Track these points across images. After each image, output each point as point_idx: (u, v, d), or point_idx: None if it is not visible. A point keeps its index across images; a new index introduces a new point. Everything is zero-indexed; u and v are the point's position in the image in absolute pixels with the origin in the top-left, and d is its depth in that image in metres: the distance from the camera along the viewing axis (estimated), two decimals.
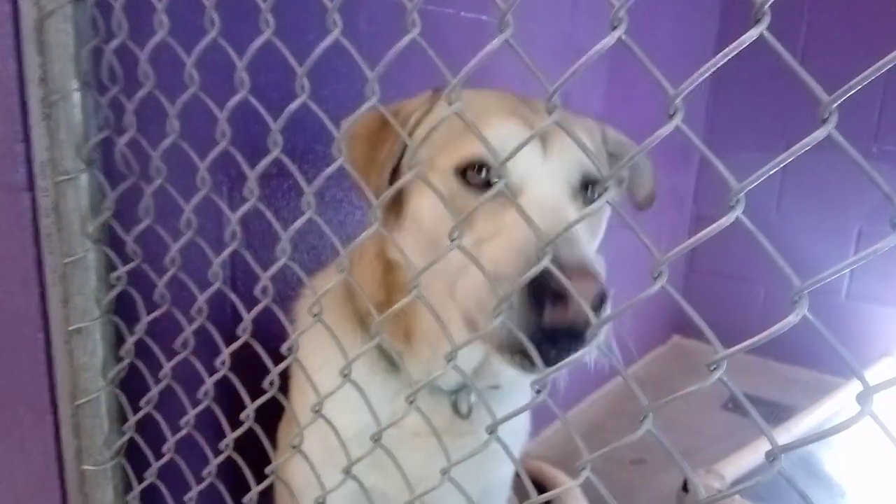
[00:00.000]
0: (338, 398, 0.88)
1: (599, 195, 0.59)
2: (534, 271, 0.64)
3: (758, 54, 0.52)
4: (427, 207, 0.90)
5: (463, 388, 1.04)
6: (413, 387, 0.80)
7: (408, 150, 0.92)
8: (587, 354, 0.72)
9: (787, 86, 2.94)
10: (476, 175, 0.87)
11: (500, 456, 0.75)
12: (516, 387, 1.06)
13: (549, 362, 0.69)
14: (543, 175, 0.85)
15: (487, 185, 0.86)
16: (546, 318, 0.70)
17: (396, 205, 0.94)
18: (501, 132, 0.84)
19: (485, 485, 1.14)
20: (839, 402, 2.59)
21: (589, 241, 0.89)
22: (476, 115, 0.83)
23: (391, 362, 1.02)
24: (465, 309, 0.83)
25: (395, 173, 0.94)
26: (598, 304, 0.71)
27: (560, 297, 0.69)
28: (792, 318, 0.52)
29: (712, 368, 0.56)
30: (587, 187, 0.92)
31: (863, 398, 0.50)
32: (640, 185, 1.06)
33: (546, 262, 0.64)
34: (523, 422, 1.21)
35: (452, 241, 0.70)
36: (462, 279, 0.83)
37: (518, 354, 0.75)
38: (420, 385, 0.78)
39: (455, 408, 1.04)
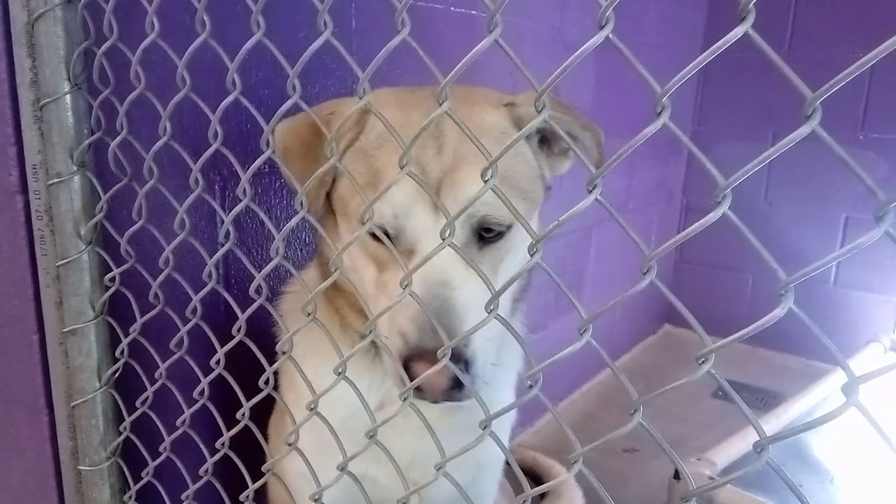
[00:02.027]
0: (326, 386, 0.90)
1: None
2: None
3: (746, 46, 0.53)
4: (349, 234, 0.96)
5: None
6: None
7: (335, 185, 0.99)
8: (465, 397, 0.84)
9: (774, 77, 2.95)
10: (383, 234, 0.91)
11: (488, 438, 0.76)
12: (498, 353, 1.10)
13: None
14: (434, 234, 0.86)
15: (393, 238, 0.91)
16: (407, 382, 0.82)
17: (340, 210, 1.01)
18: (395, 197, 0.88)
19: (475, 466, 1.16)
20: (827, 389, 2.63)
21: (480, 292, 0.85)
22: (383, 163, 0.92)
23: (372, 345, 1.04)
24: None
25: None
26: (455, 382, 0.81)
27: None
28: (778, 312, 0.53)
29: (700, 362, 0.58)
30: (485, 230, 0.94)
31: (848, 389, 0.51)
32: (589, 151, 1.07)
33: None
34: (510, 400, 1.22)
35: (404, 288, 0.76)
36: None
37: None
38: (413, 384, 0.79)
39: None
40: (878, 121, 2.96)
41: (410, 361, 0.83)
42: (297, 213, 0.84)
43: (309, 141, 0.94)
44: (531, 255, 0.66)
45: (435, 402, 0.85)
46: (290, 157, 0.96)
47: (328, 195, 1.00)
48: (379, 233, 0.88)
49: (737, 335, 0.56)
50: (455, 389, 0.83)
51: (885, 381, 0.54)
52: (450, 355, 0.74)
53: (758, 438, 0.56)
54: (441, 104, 0.67)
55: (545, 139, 1.06)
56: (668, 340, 3.59)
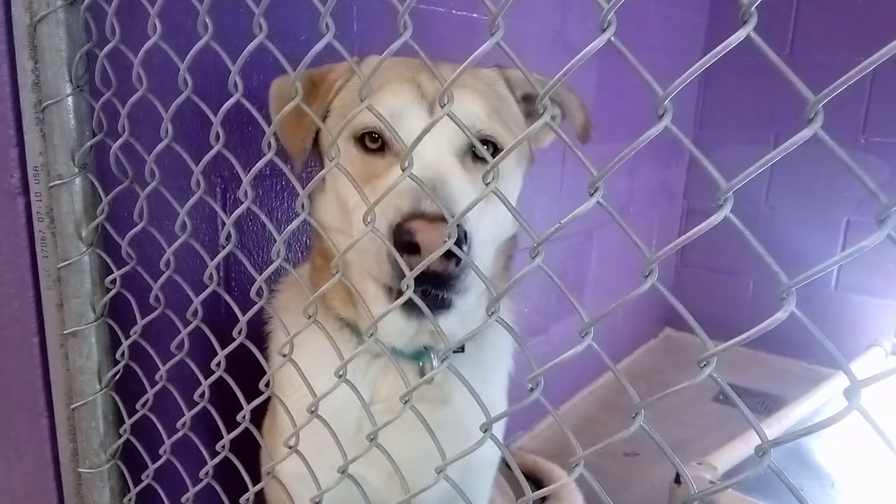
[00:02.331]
0: (315, 384, 0.91)
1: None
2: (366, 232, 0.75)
3: (747, 49, 0.53)
4: (340, 175, 1.00)
5: (424, 352, 1.07)
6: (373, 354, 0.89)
7: (330, 114, 1.05)
8: (456, 296, 0.85)
9: (776, 80, 2.95)
10: (372, 141, 0.98)
11: (478, 436, 0.76)
12: (479, 355, 1.11)
13: (430, 306, 0.79)
14: (429, 139, 0.85)
15: (382, 149, 0.98)
16: (406, 264, 0.76)
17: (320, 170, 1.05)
18: (390, 100, 0.94)
19: (465, 466, 1.16)
20: (829, 393, 2.62)
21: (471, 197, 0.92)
22: (378, 84, 0.98)
23: (354, 331, 1.08)
24: (368, 268, 0.92)
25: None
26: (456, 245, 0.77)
27: (415, 246, 0.80)
28: (780, 315, 0.53)
29: (702, 365, 0.57)
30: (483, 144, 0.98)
31: (850, 393, 0.51)
32: (574, 118, 1.13)
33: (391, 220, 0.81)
34: (501, 401, 1.22)
35: (367, 224, 0.75)
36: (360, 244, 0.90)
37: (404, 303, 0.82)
38: (414, 387, 0.79)
39: (423, 373, 1.07)
40: (879, 124, 2.96)
41: (406, 223, 0.80)
42: (298, 215, 0.84)
43: (305, 89, 0.99)
44: (532, 258, 0.65)
45: (430, 289, 0.84)
46: (282, 105, 0.97)
47: (315, 146, 1.05)
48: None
49: (738, 339, 0.56)
50: (451, 265, 0.82)
51: (886, 385, 0.54)
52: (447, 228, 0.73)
53: (759, 442, 0.56)
54: (442, 107, 0.68)
55: (531, 113, 1.13)
56: (669, 344, 3.58)
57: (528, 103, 1.12)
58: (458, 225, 0.73)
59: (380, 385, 1.08)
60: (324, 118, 1.05)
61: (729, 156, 3.16)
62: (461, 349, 1.08)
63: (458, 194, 0.88)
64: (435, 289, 0.85)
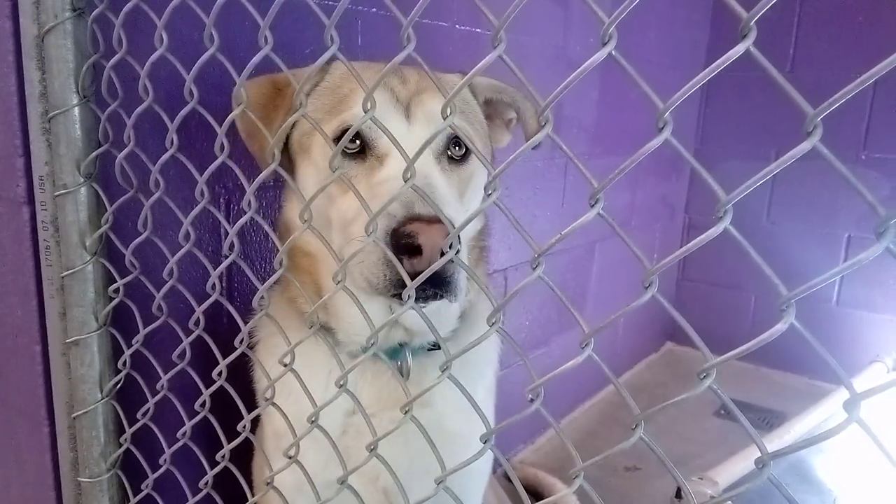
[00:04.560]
0: (298, 392, 0.92)
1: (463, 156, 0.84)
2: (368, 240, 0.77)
3: (748, 64, 0.53)
4: (311, 177, 1.04)
5: (400, 350, 1.07)
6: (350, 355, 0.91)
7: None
8: (451, 295, 0.87)
9: (777, 95, 2.96)
10: (352, 144, 0.99)
11: (465, 442, 0.76)
12: (470, 355, 1.10)
13: (419, 300, 0.82)
14: (408, 141, 0.89)
15: (362, 151, 0.99)
16: (407, 268, 0.80)
17: (291, 171, 1.07)
18: (369, 104, 0.92)
19: (454, 476, 1.15)
20: (830, 409, 2.61)
21: (454, 200, 0.98)
22: (351, 88, 1.01)
23: (326, 330, 1.08)
24: (361, 275, 0.92)
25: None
26: (449, 248, 0.78)
27: (416, 248, 0.81)
28: (780, 327, 0.53)
29: (702, 377, 0.58)
30: (452, 146, 1.03)
31: (850, 405, 0.51)
32: (527, 125, 1.19)
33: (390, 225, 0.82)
34: (487, 407, 1.22)
35: (369, 234, 0.77)
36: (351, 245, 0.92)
37: (395, 297, 0.85)
38: (414, 396, 0.79)
39: (401, 372, 1.07)
40: (880, 140, 2.97)
41: (404, 226, 0.82)
42: (249, 212, 0.85)
43: (269, 95, 1.03)
44: (533, 270, 0.66)
45: (430, 290, 0.85)
46: (252, 109, 1.00)
47: (286, 148, 1.07)
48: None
49: (739, 350, 0.56)
50: (451, 266, 0.83)
51: (887, 401, 0.54)
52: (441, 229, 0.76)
53: (758, 456, 0.56)
54: (445, 119, 0.68)
55: (490, 115, 1.19)
56: (669, 358, 3.58)
57: (489, 107, 1.19)
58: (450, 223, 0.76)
59: (360, 389, 1.08)
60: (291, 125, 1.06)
61: (730, 170, 3.17)
62: (436, 346, 1.08)
63: (443, 196, 0.92)
64: (433, 290, 0.87)
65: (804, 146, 0.50)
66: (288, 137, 1.07)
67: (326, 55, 0.75)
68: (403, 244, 0.82)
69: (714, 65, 0.53)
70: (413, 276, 0.75)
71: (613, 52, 0.57)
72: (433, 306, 0.93)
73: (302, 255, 1.07)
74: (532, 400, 0.70)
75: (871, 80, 0.47)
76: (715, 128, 3.40)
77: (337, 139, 0.98)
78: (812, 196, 3.12)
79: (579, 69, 0.57)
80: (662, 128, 0.56)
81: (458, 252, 0.77)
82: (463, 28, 1.88)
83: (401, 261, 0.79)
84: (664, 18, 2.98)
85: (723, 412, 2.85)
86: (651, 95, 0.56)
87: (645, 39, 2.86)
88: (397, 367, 1.07)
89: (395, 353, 1.08)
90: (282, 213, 1.16)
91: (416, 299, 0.78)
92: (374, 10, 1.57)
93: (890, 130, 2.94)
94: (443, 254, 0.75)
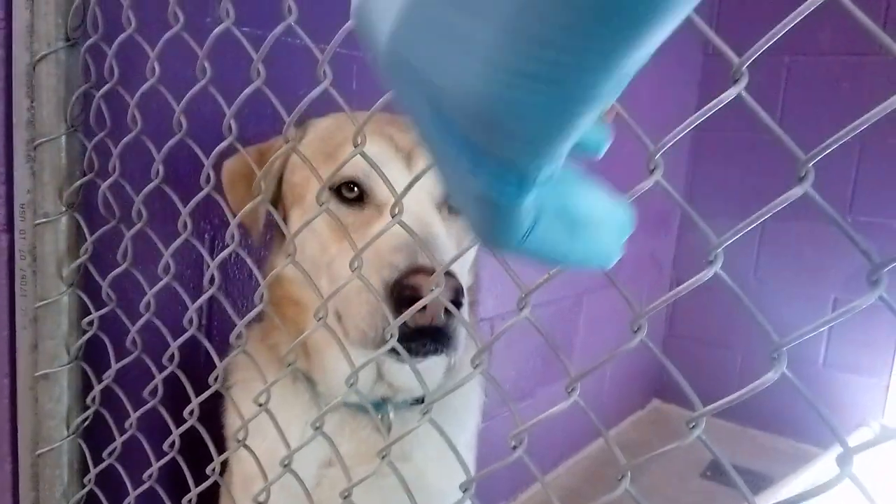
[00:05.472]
0: (273, 436, 0.88)
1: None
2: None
3: (736, 125, 0.54)
4: (303, 222, 1.00)
5: (383, 403, 1.04)
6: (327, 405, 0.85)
7: (285, 178, 1.04)
8: (451, 352, 0.83)
9: (764, 157, 3.03)
10: (349, 191, 0.96)
11: (444, 497, 0.73)
12: (441, 410, 1.07)
13: (417, 355, 0.80)
14: (412, 192, 0.84)
15: (360, 199, 0.96)
16: (409, 322, 0.76)
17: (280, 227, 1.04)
18: (370, 151, 0.89)
19: None
20: (818, 472, 2.57)
21: (454, 251, 0.94)
22: (342, 138, 0.98)
23: (309, 382, 1.04)
24: (345, 315, 0.89)
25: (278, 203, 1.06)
26: (454, 303, 0.75)
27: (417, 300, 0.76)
28: (771, 375, 0.52)
29: (691, 426, 0.56)
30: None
31: (842, 460, 0.49)
32: None
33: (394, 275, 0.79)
34: (468, 460, 1.18)
35: (353, 270, 0.75)
36: (345, 296, 0.88)
37: (390, 351, 0.80)
38: (391, 441, 0.76)
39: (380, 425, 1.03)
40: (865, 204, 3.01)
41: (406, 278, 0.79)
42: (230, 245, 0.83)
43: (256, 162, 0.99)
44: (520, 311, 0.64)
45: (425, 344, 0.81)
46: (236, 188, 1.01)
47: (279, 201, 1.05)
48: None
49: (729, 398, 0.55)
50: (452, 320, 0.79)
51: (876, 463, 0.53)
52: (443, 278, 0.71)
53: None
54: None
55: None
56: (656, 416, 3.53)
57: None
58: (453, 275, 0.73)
59: (338, 442, 1.04)
60: (279, 185, 1.05)
61: (718, 228, 3.17)
62: (420, 401, 1.04)
63: (444, 246, 0.88)
64: (434, 345, 0.83)
65: (796, 191, 0.50)
66: (280, 191, 1.05)
67: (318, 89, 0.75)
68: (405, 297, 0.78)
69: (707, 107, 0.52)
70: (414, 331, 0.73)
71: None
72: (427, 361, 0.90)
73: (290, 304, 1.04)
74: (515, 447, 0.67)
75: (862, 128, 0.47)
76: (703, 189, 3.44)
77: (338, 189, 0.96)
78: (798, 258, 3.15)
79: None
80: (653, 170, 0.56)
81: (460, 307, 0.75)
82: None
83: (400, 313, 0.76)
84: (655, 65, 3.04)
85: (709, 473, 2.79)
86: (642, 137, 0.55)
87: (636, 85, 2.91)
88: (378, 419, 1.04)
89: (378, 407, 1.04)
90: (268, 263, 1.13)
91: (416, 354, 0.75)
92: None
93: (875, 194, 2.98)
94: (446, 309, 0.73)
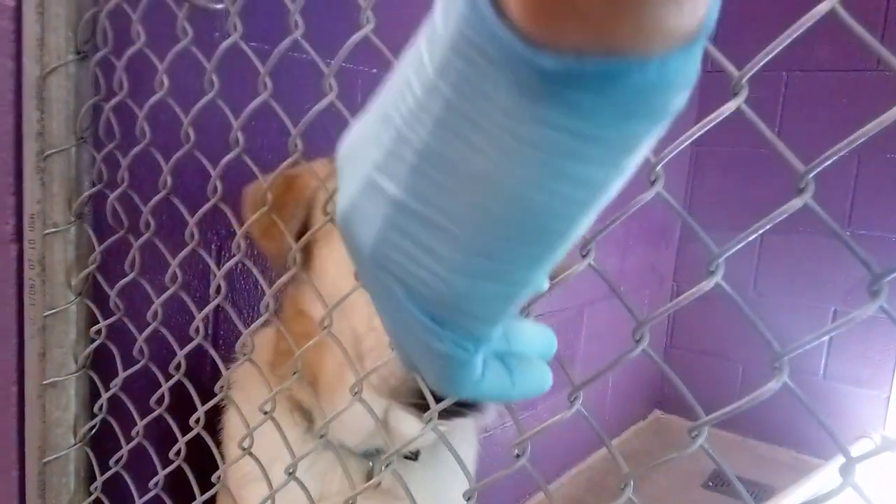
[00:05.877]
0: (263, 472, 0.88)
1: None
2: None
3: (735, 139, 0.55)
4: (331, 260, 0.99)
5: (376, 454, 1.03)
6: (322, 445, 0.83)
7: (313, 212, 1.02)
8: (479, 416, 0.83)
9: (764, 171, 3.04)
10: None
11: None
12: (435, 462, 1.06)
13: (447, 417, 0.76)
14: None
15: None
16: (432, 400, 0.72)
17: (305, 259, 1.01)
18: None
19: None
20: (819, 483, 2.57)
21: None
22: None
23: (305, 416, 1.04)
24: (367, 358, 0.88)
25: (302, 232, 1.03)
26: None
27: None
28: (773, 385, 0.53)
29: (693, 435, 0.57)
30: None
31: (845, 470, 0.50)
32: None
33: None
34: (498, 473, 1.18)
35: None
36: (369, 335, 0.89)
37: (416, 407, 0.80)
38: (359, 490, 0.76)
39: (370, 476, 1.02)
40: (863, 218, 3.02)
41: None
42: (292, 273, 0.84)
43: (279, 193, 0.97)
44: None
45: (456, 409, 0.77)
46: (255, 209, 0.98)
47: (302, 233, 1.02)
48: None
49: (732, 407, 0.55)
50: None
51: (879, 474, 0.53)
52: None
53: None
54: None
55: None
56: (657, 427, 3.53)
57: None
58: None
59: (329, 479, 1.03)
60: (306, 214, 1.03)
61: (717, 241, 3.20)
62: (414, 457, 1.04)
63: None
64: (465, 409, 0.79)
65: (795, 202, 0.51)
66: (305, 228, 1.03)
67: (325, 101, 0.76)
68: None
69: (707, 119, 0.54)
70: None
71: None
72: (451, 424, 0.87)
73: (306, 341, 1.03)
74: (518, 456, 0.68)
75: (860, 141, 0.49)
76: (702, 198, 3.46)
77: None
78: (797, 271, 3.16)
79: None
80: (654, 181, 0.57)
81: None
82: None
83: None
84: None
85: (711, 484, 2.79)
86: None
87: None
88: (368, 468, 1.04)
89: (370, 454, 1.04)
90: (291, 295, 1.09)
91: (445, 417, 0.72)
92: (375, 70, 1.60)
93: (874, 208, 3.00)
94: None
